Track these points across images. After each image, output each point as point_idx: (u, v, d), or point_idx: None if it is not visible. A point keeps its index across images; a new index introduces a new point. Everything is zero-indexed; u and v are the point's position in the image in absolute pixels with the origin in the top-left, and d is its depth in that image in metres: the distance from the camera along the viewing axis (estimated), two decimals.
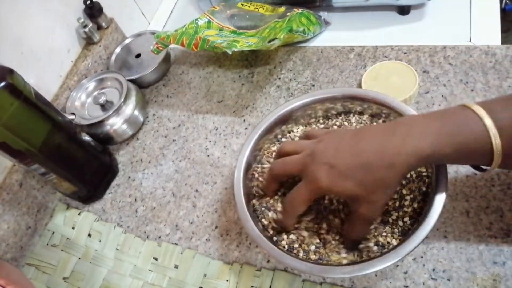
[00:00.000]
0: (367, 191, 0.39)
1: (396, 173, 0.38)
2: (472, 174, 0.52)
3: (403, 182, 0.46)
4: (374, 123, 0.52)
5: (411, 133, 0.38)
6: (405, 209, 0.45)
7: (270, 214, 0.48)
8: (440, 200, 0.41)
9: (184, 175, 0.64)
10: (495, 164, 0.37)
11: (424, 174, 0.46)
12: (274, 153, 0.54)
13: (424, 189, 0.46)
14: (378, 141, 0.39)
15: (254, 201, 0.50)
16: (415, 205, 0.45)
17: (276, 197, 0.49)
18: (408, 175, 0.47)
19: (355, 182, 0.39)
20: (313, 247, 0.45)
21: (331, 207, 0.47)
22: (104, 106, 0.69)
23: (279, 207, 0.48)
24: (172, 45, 0.68)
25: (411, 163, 0.37)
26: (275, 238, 0.47)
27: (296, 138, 0.55)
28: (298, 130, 0.56)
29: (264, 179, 0.50)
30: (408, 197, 0.46)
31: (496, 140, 0.35)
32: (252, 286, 0.52)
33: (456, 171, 0.53)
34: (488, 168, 0.39)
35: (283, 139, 0.55)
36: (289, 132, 0.56)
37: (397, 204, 0.46)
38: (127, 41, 0.80)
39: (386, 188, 0.39)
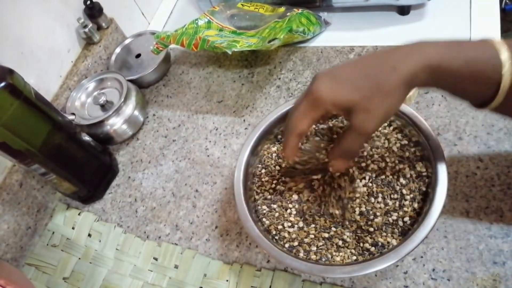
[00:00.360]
0: (364, 97, 0.36)
1: (398, 78, 0.35)
2: (472, 174, 0.52)
3: (403, 181, 0.47)
4: None
5: (420, 44, 0.36)
6: (405, 209, 0.45)
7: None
8: (440, 200, 0.41)
9: (184, 175, 0.64)
10: (496, 100, 0.35)
11: (424, 174, 0.46)
12: (274, 154, 0.54)
13: (424, 189, 0.46)
14: (384, 52, 0.37)
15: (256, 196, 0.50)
16: (415, 205, 0.45)
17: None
18: (408, 175, 0.46)
19: (353, 87, 0.36)
20: (314, 248, 0.45)
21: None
22: (104, 106, 0.69)
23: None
24: (172, 45, 0.68)
25: (416, 70, 0.35)
26: (276, 237, 0.47)
27: None
28: None
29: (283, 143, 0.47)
30: (408, 197, 0.46)
31: (507, 73, 0.33)
32: (252, 286, 0.52)
33: (456, 171, 0.53)
34: (487, 106, 0.37)
35: (282, 139, 0.55)
36: None
37: (397, 204, 0.46)
38: (127, 41, 0.80)
39: (385, 95, 0.36)
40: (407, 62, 0.35)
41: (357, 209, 0.46)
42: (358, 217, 0.46)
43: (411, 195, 0.46)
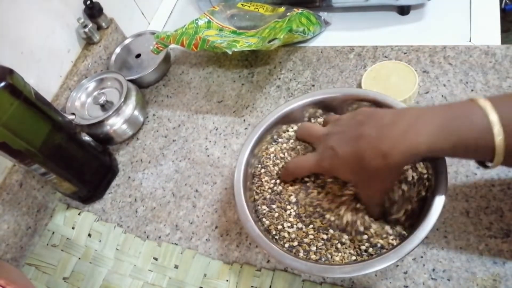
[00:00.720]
0: (360, 179, 0.42)
1: (388, 165, 0.38)
2: (472, 174, 0.52)
3: (404, 187, 0.46)
4: None
5: (412, 126, 0.38)
6: (405, 209, 0.45)
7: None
8: (439, 200, 0.41)
9: (184, 175, 0.64)
10: (496, 161, 0.36)
11: (425, 175, 0.46)
12: (272, 154, 0.54)
13: (424, 189, 0.46)
14: (378, 130, 0.39)
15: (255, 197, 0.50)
16: (415, 206, 0.45)
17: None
18: (410, 178, 0.46)
19: (349, 169, 0.41)
20: (314, 248, 0.45)
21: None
22: (104, 106, 0.69)
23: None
24: (172, 45, 0.68)
25: (405, 157, 0.38)
26: (276, 237, 0.47)
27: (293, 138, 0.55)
28: (294, 129, 0.55)
29: (281, 172, 0.52)
30: (408, 197, 0.46)
31: (498, 138, 0.34)
32: (252, 286, 0.52)
33: (456, 171, 0.53)
34: (490, 165, 0.38)
35: (279, 140, 0.55)
36: (284, 132, 0.56)
37: (397, 204, 0.46)
38: (127, 41, 0.80)
39: (379, 178, 0.40)
40: (396, 150, 0.37)
41: (348, 216, 0.46)
42: (350, 218, 0.46)
43: (412, 196, 0.45)
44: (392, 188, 0.45)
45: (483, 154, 0.37)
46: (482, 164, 0.40)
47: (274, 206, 0.49)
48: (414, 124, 0.38)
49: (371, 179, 0.41)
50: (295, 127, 0.56)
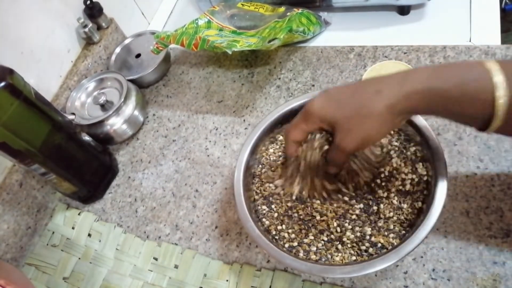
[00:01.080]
0: (345, 116, 0.38)
1: (380, 101, 0.36)
2: (472, 174, 0.52)
3: (404, 183, 0.46)
4: None
5: (409, 72, 0.37)
6: (405, 209, 0.45)
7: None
8: (440, 200, 0.41)
9: (184, 175, 0.64)
10: (496, 122, 0.33)
11: (424, 177, 0.46)
12: (272, 154, 0.54)
13: (424, 189, 0.46)
14: (377, 77, 0.38)
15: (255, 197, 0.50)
16: (415, 206, 0.45)
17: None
18: (409, 180, 0.46)
19: (338, 106, 0.39)
20: (314, 248, 0.45)
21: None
22: (104, 106, 0.69)
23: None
24: (172, 45, 0.68)
25: (402, 95, 0.35)
26: (276, 237, 0.47)
27: None
28: None
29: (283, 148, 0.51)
30: (408, 196, 0.46)
31: (501, 94, 0.32)
32: (252, 286, 0.52)
33: (456, 171, 0.53)
34: (488, 129, 0.35)
35: (279, 140, 0.55)
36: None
37: (397, 204, 0.46)
38: (127, 41, 0.80)
39: (365, 117, 0.37)
40: (392, 87, 0.36)
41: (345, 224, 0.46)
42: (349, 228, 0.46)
43: (412, 196, 0.46)
44: (373, 144, 0.43)
45: (482, 111, 0.34)
46: (480, 128, 0.37)
47: (273, 206, 0.49)
48: (413, 71, 0.37)
49: (357, 117, 0.37)
50: None
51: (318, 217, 0.47)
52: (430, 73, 0.35)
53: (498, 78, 0.32)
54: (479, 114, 0.35)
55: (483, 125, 0.35)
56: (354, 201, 0.47)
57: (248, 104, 0.69)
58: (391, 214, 0.45)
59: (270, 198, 0.50)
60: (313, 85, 0.67)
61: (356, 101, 0.38)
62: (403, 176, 0.47)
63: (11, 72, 0.50)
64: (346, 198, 0.47)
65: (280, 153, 0.54)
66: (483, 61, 0.34)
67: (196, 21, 0.71)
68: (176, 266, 0.56)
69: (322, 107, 0.40)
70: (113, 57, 0.78)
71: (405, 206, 0.45)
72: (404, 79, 0.36)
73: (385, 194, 0.47)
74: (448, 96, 0.34)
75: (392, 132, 0.50)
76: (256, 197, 0.51)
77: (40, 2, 0.66)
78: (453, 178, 0.52)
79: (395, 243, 0.43)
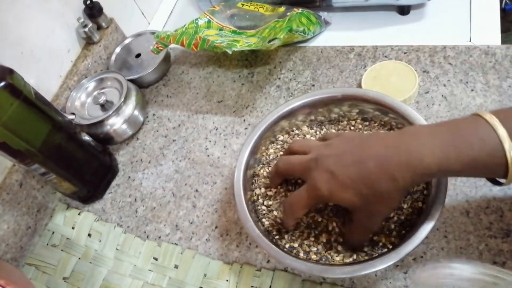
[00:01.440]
0: (366, 202, 0.38)
1: (397, 187, 0.36)
2: None
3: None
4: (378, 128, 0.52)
5: (417, 146, 0.36)
6: (405, 209, 0.45)
7: (275, 213, 0.48)
8: (440, 201, 0.41)
9: (184, 175, 0.64)
10: (510, 177, 0.33)
11: None
12: (272, 154, 0.54)
13: (424, 189, 0.46)
14: (382, 152, 0.37)
15: (260, 200, 0.50)
16: (415, 205, 0.45)
17: (279, 196, 0.50)
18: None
19: (354, 192, 0.38)
20: (314, 249, 0.45)
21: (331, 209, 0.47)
22: (104, 106, 0.69)
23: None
24: (172, 45, 0.68)
25: (415, 179, 0.36)
26: (276, 236, 0.47)
27: (300, 137, 0.55)
28: (296, 132, 0.56)
29: (269, 172, 0.52)
30: (408, 197, 0.46)
31: (511, 152, 0.32)
32: (252, 286, 0.52)
33: None
34: (503, 181, 0.35)
35: (279, 140, 0.55)
36: (288, 133, 0.56)
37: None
38: (127, 41, 0.80)
39: (386, 201, 0.38)
40: (404, 173, 0.36)
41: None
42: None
43: (412, 196, 0.46)
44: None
45: (495, 171, 0.34)
46: (494, 181, 0.38)
47: (273, 207, 0.49)
48: (417, 144, 0.36)
49: (377, 203, 0.38)
50: (295, 130, 0.56)
51: (318, 218, 0.47)
52: (441, 154, 0.35)
53: (508, 145, 0.33)
54: (492, 176, 0.37)
55: (498, 181, 0.37)
56: None
57: (248, 104, 0.69)
58: (392, 214, 0.45)
59: (270, 199, 0.50)
60: (313, 85, 0.67)
61: (373, 188, 0.37)
62: None
63: (11, 72, 0.50)
64: None
65: (280, 154, 0.54)
66: (487, 121, 0.34)
67: (196, 21, 0.71)
68: (176, 266, 0.56)
69: (335, 194, 0.39)
70: (113, 57, 0.78)
71: (405, 206, 0.45)
72: (415, 160, 0.35)
73: None
74: (461, 172, 0.35)
75: None
76: (256, 197, 0.51)
77: (40, 2, 0.66)
78: (453, 178, 0.52)
79: (395, 243, 0.43)
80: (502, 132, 0.33)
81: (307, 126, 0.55)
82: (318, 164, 0.40)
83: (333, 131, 0.54)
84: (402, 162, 0.36)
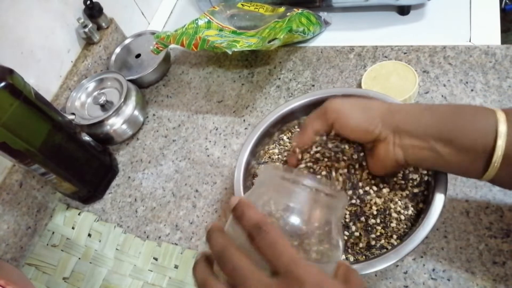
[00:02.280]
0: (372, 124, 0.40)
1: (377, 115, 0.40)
2: None
3: (405, 184, 0.46)
4: None
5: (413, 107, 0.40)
6: (406, 209, 0.45)
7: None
8: (440, 200, 0.41)
9: (184, 175, 0.64)
10: (488, 174, 0.35)
11: (425, 177, 0.46)
12: (272, 154, 0.54)
13: (424, 189, 0.45)
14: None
15: None
16: (415, 206, 0.45)
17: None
18: (410, 183, 0.46)
19: (361, 116, 0.41)
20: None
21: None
22: (104, 106, 0.69)
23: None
24: (172, 45, 0.68)
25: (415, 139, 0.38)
26: None
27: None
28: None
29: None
30: (409, 196, 0.46)
31: (499, 151, 0.33)
32: None
33: None
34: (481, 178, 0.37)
35: (279, 140, 0.55)
36: (288, 133, 0.56)
37: (398, 204, 0.45)
38: (127, 41, 0.80)
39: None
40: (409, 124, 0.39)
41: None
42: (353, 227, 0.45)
43: (412, 196, 0.45)
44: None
45: (476, 159, 0.36)
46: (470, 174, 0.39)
47: None
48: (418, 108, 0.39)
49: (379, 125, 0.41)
50: (296, 127, 0.56)
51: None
52: (433, 115, 0.38)
53: (502, 128, 0.34)
54: (470, 164, 0.37)
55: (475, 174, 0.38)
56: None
57: (248, 104, 0.69)
58: (392, 214, 0.45)
59: None
60: (313, 85, 0.67)
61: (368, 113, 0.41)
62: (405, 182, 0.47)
63: (11, 72, 0.50)
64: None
65: (280, 155, 0.54)
66: (494, 113, 0.35)
67: (196, 21, 0.71)
68: (176, 266, 0.56)
69: (343, 105, 0.42)
70: (113, 57, 0.78)
71: (408, 212, 0.45)
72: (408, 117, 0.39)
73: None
74: (444, 143, 0.37)
75: None
76: None
77: (40, 2, 0.66)
78: (453, 178, 0.52)
79: (395, 243, 0.43)
80: (502, 128, 0.33)
81: None
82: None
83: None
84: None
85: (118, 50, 0.79)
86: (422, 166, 0.43)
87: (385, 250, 0.43)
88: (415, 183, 0.46)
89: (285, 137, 0.56)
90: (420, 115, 0.38)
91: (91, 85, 0.72)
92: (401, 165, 0.41)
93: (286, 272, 0.27)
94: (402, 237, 0.44)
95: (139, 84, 0.76)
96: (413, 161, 0.40)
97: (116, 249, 0.60)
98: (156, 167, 0.67)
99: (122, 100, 0.68)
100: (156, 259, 0.58)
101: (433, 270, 0.47)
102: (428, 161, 0.39)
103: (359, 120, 0.40)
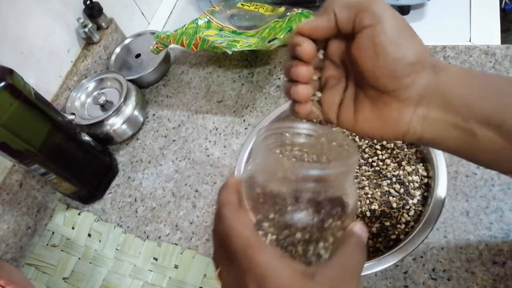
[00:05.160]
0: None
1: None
2: (472, 174, 0.52)
3: (404, 182, 0.46)
4: None
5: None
6: (406, 210, 0.45)
7: None
8: (440, 200, 0.41)
9: (184, 175, 0.64)
10: None
11: (425, 176, 0.46)
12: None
13: (424, 192, 0.46)
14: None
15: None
16: (415, 206, 0.45)
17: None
18: (411, 184, 0.46)
19: None
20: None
21: None
22: (104, 106, 0.69)
23: None
24: (172, 45, 0.68)
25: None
26: None
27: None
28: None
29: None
30: (409, 196, 0.46)
31: None
32: None
33: (456, 171, 0.53)
34: None
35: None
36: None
37: (398, 204, 0.46)
38: (127, 41, 0.80)
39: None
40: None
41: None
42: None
43: (412, 196, 0.46)
44: None
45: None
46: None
47: None
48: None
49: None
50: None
51: None
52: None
53: None
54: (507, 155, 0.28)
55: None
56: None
57: (248, 104, 0.69)
58: (392, 214, 0.45)
59: None
60: None
61: None
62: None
63: (11, 72, 0.50)
64: None
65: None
66: None
67: (196, 21, 0.71)
68: (176, 266, 0.56)
69: None
70: (113, 57, 0.78)
71: (406, 205, 0.45)
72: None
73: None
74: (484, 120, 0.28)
75: None
76: None
77: (40, 2, 0.66)
78: (453, 178, 0.52)
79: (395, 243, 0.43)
80: None
81: None
82: None
83: (333, 129, 0.54)
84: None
85: (118, 50, 0.79)
86: (440, 147, 0.32)
87: (391, 239, 0.43)
88: (416, 185, 0.46)
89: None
90: (469, 86, 0.29)
91: (91, 85, 0.72)
92: (407, 138, 0.31)
93: (236, 259, 0.25)
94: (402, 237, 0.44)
95: (139, 84, 0.76)
96: (431, 140, 0.30)
97: (116, 249, 0.60)
98: (156, 167, 0.67)
99: (122, 100, 0.68)
100: (156, 259, 0.58)
101: (433, 270, 0.47)
102: (452, 143, 0.30)
103: (405, 50, 0.30)
